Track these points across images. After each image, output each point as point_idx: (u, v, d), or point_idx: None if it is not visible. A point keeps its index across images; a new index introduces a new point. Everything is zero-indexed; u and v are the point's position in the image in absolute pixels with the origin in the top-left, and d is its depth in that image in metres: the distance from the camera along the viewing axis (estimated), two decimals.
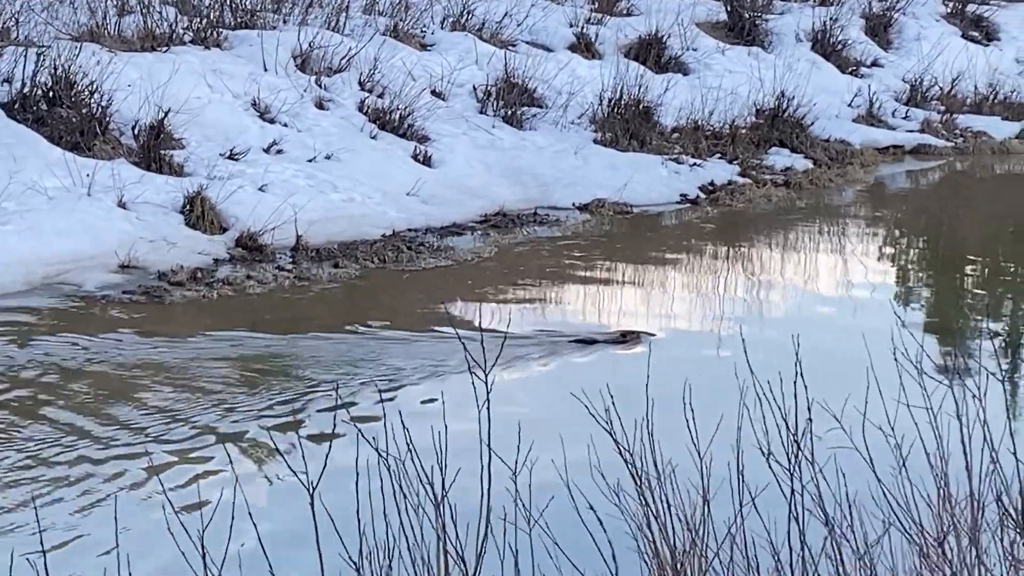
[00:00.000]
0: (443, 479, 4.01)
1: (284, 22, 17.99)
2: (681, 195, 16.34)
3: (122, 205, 12.88)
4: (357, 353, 9.80)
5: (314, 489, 3.97)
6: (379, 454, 4.11)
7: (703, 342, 10.64)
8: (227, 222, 13.23)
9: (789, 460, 3.92)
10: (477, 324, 10.24)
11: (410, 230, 14.08)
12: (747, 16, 22.51)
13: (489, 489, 3.92)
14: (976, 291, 13.02)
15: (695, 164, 17.15)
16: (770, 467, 4.01)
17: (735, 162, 17.62)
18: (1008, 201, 18.24)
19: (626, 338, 10.09)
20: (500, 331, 9.90)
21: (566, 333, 10.41)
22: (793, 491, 3.84)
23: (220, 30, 16.92)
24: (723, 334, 10.71)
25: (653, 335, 10.32)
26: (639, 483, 4.12)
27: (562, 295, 12.29)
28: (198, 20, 16.97)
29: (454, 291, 12.09)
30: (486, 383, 4.00)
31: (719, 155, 17.86)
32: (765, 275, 13.31)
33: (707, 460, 4.28)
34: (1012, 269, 13.99)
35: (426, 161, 15.74)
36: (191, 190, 13.15)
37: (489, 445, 3.97)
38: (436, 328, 10.48)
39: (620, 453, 4.13)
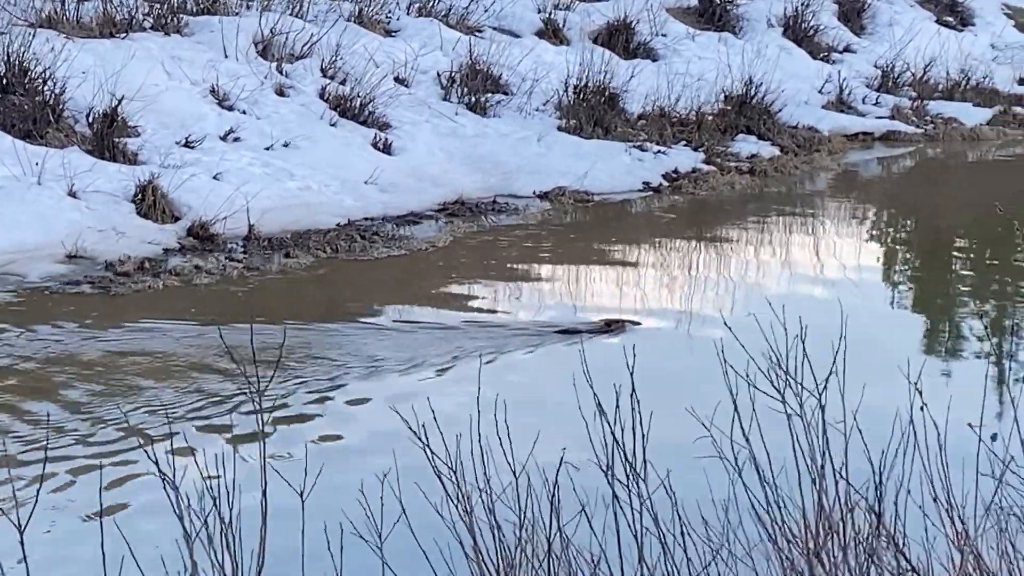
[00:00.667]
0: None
1: (247, 7, 17.83)
2: (644, 183, 16.22)
3: (72, 194, 12.73)
4: (291, 344, 9.67)
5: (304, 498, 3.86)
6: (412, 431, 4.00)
7: (684, 331, 10.47)
8: (179, 211, 13.09)
9: (627, 475, 3.81)
10: (412, 318, 10.16)
11: (367, 219, 13.95)
12: (718, 1, 22.37)
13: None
14: (908, 288, 12.94)
15: (659, 151, 17.03)
16: (611, 485, 3.90)
17: (700, 149, 17.50)
18: (972, 188, 18.06)
19: (611, 327, 10.08)
20: (472, 322, 9.85)
21: (551, 323, 10.39)
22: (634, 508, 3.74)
23: (181, 16, 16.76)
24: (697, 324, 10.64)
25: (638, 324, 10.29)
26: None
27: (515, 286, 12.16)
28: (158, 6, 16.81)
29: (405, 282, 11.97)
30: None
31: (685, 142, 17.73)
32: (725, 265, 13.18)
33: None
34: (961, 264, 13.86)
35: (386, 149, 15.61)
36: (143, 179, 13.00)
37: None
38: (362, 319, 10.38)
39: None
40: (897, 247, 14.53)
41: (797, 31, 22.34)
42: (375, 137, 15.62)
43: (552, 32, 19.96)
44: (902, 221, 16.03)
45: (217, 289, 11.37)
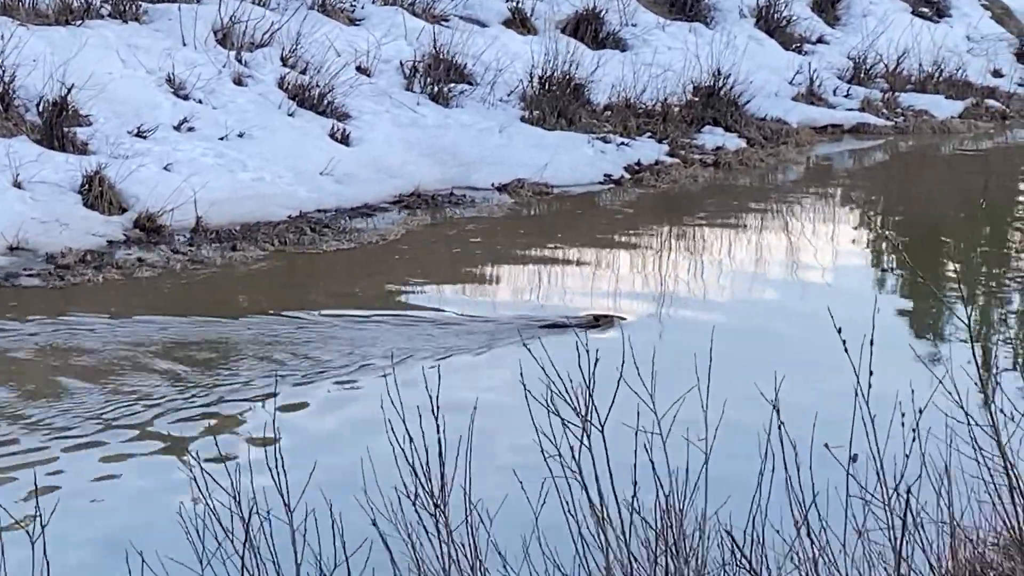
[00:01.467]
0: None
1: None
2: (605, 175, 16.05)
3: (17, 185, 12.53)
4: (232, 340, 9.51)
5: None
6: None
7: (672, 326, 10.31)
8: (127, 203, 12.89)
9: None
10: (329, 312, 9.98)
11: (319, 211, 13.78)
12: None
13: None
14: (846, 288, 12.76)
15: (623, 143, 16.85)
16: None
17: (665, 141, 17.31)
18: (934, 183, 17.86)
19: (598, 322, 10.02)
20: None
21: (536, 317, 10.29)
22: None
23: (139, 3, 16.54)
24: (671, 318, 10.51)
25: (624, 319, 10.23)
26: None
27: (465, 280, 12.01)
28: None
29: (351, 276, 11.80)
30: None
31: (650, 134, 17.55)
32: (673, 263, 13.02)
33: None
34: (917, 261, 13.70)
35: (344, 139, 15.41)
36: (90, 169, 12.82)
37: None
38: (306, 312, 10.22)
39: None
40: (852, 245, 14.29)
41: (769, 21, 22.13)
42: (333, 127, 15.43)
43: (520, 21, 19.74)
44: (859, 218, 15.77)
45: (158, 283, 11.18)
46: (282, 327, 9.86)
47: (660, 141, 17.31)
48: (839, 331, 3.97)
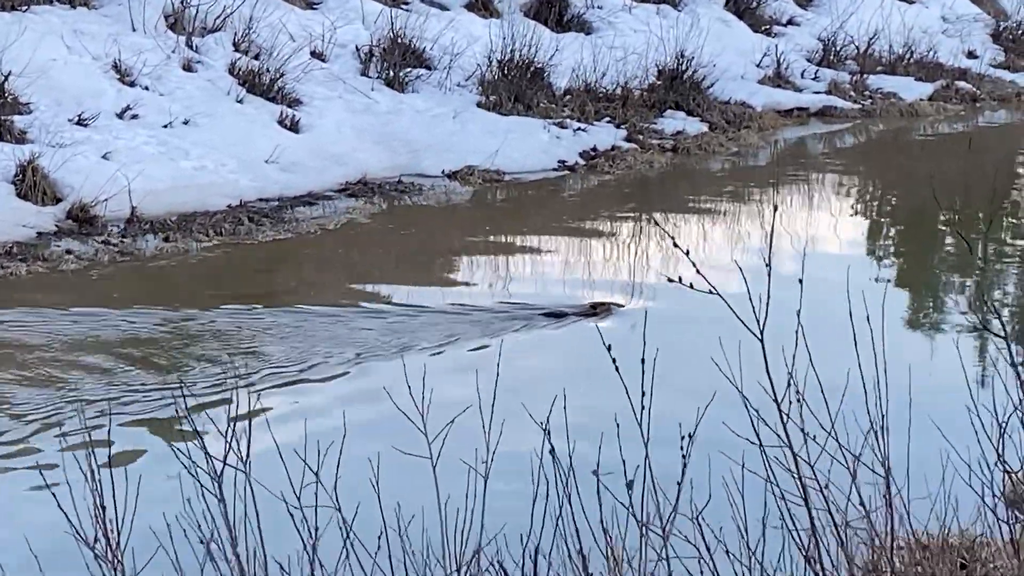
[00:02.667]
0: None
1: None
2: (559, 161, 15.78)
3: None
4: (158, 335, 9.26)
5: None
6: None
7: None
8: (62, 192, 12.61)
9: None
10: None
11: (261, 200, 13.51)
12: None
13: None
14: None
15: (579, 129, 16.56)
16: None
17: (623, 126, 17.05)
18: (891, 170, 17.50)
19: (596, 310, 9.94)
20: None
21: (534, 306, 10.14)
22: None
23: None
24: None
25: (622, 306, 10.15)
26: None
27: (403, 269, 11.76)
28: None
29: (285, 267, 11.56)
30: None
31: (609, 119, 17.28)
32: (614, 251, 12.78)
33: None
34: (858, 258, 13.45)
35: (293, 126, 15.13)
36: (24, 158, 12.57)
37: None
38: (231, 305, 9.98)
39: None
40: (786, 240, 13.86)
41: (739, 3, 21.81)
42: (282, 114, 15.15)
43: (481, 4, 19.43)
44: (805, 212, 15.30)
45: (82, 276, 10.93)
46: (227, 319, 9.63)
47: (619, 126, 17.04)
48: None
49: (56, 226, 12.14)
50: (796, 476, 3.69)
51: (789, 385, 3.84)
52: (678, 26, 19.38)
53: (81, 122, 13.77)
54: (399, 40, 17.37)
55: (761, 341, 3.76)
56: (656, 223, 12.72)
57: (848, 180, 16.32)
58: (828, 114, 19.46)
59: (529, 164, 15.55)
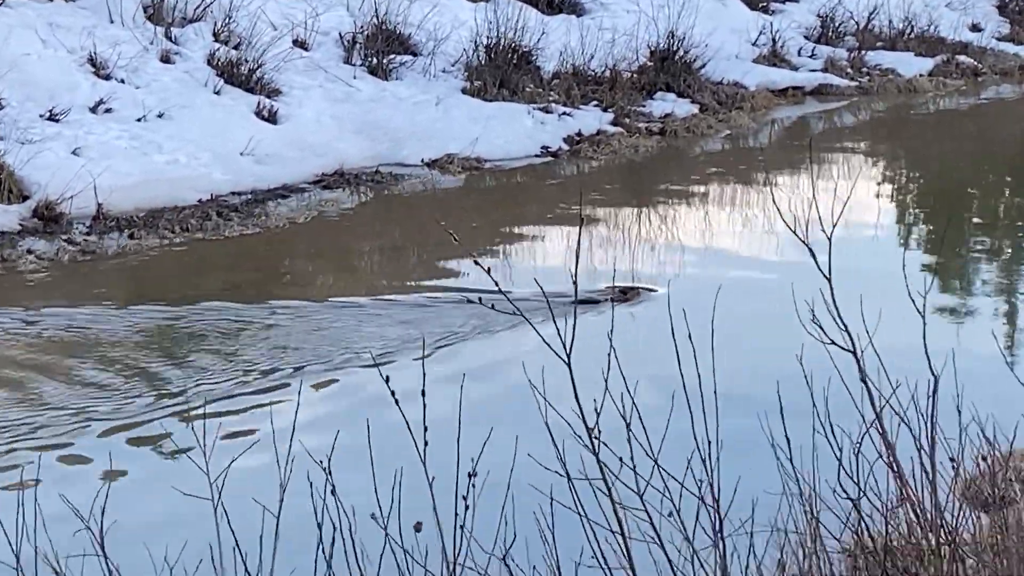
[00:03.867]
0: None
1: None
2: (543, 147, 15.48)
3: None
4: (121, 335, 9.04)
5: None
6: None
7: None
8: (29, 190, 12.38)
9: None
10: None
11: (234, 193, 13.26)
12: None
13: None
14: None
15: (565, 113, 16.26)
16: None
17: (611, 109, 16.75)
18: (879, 154, 17.09)
19: (627, 295, 9.76)
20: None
21: (559, 294, 9.84)
22: None
23: None
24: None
25: (653, 290, 9.91)
26: None
27: (372, 264, 11.52)
28: None
29: (248, 263, 11.32)
30: None
31: (596, 102, 16.98)
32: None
33: None
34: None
35: (271, 117, 14.87)
36: None
37: None
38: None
39: None
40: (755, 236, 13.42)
41: None
42: (259, 105, 14.89)
43: None
44: (784, 201, 14.85)
45: (40, 276, 10.70)
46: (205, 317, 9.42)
47: (605, 110, 16.74)
48: None
49: (20, 225, 11.91)
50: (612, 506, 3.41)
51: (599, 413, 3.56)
52: (671, 5, 19.02)
53: (52, 117, 13.55)
54: (384, 26, 17.10)
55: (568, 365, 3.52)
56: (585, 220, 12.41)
57: (834, 162, 15.94)
58: (824, 92, 19.10)
59: (512, 151, 15.27)
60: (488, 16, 17.32)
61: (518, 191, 14.16)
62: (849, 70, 19.87)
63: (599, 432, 3.47)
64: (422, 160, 14.73)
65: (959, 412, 4.40)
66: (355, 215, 12.86)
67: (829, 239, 3.99)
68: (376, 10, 17.12)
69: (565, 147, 15.48)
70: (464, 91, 16.47)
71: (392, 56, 16.79)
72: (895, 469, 3.82)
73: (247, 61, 15.41)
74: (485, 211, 13.35)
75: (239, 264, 11.24)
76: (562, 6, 19.53)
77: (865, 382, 3.85)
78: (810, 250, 3.99)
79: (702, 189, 14.31)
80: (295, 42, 16.55)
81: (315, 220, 12.56)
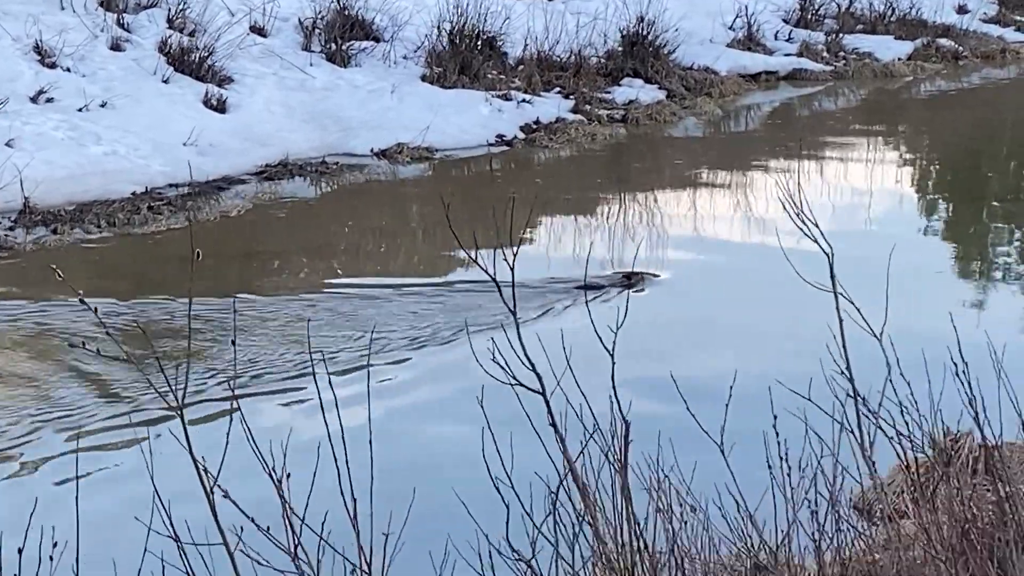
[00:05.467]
0: None
1: None
2: (498, 136, 15.01)
3: None
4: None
5: None
6: None
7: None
8: None
9: None
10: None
11: (171, 185, 12.83)
12: None
13: None
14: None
15: (524, 100, 15.80)
16: None
17: (572, 96, 16.28)
18: (836, 148, 16.48)
19: (631, 280, 9.63)
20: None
21: (565, 279, 9.68)
22: None
23: None
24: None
25: (657, 276, 9.83)
26: None
27: (293, 260, 11.08)
28: None
29: (164, 260, 10.89)
30: None
31: (559, 89, 16.51)
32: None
33: None
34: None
35: (219, 106, 14.45)
36: None
37: None
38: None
39: None
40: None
41: None
42: (207, 93, 14.48)
43: None
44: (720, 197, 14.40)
45: None
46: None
47: (567, 97, 16.27)
48: None
49: None
50: None
51: None
52: None
53: None
54: (345, 12, 16.66)
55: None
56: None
57: (784, 154, 15.38)
58: (798, 77, 18.56)
59: (465, 139, 14.81)
60: (459, 2, 16.83)
61: (456, 182, 13.67)
62: (825, 54, 19.32)
63: None
64: (371, 150, 14.29)
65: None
66: (291, 208, 12.42)
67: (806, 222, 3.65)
68: None
69: (521, 135, 15.02)
70: (424, 78, 16.02)
71: (352, 42, 16.36)
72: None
73: (198, 48, 14.99)
74: (426, 200, 12.90)
75: (155, 260, 10.80)
76: None
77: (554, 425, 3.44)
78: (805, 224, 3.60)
79: (635, 183, 13.82)
80: (252, 28, 16.13)
81: (248, 213, 12.11)
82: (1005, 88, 19.17)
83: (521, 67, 16.84)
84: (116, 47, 14.91)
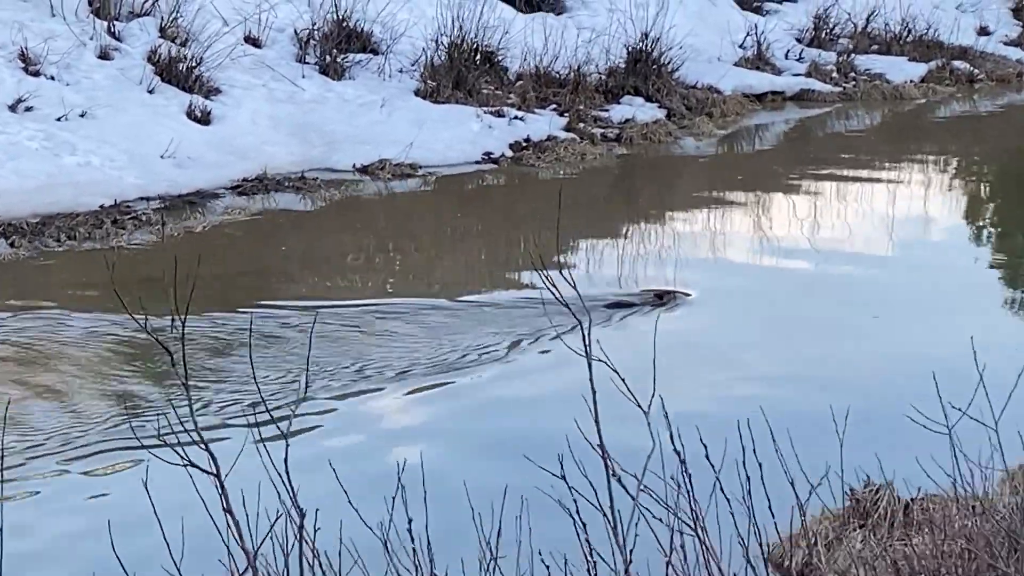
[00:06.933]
0: None
1: None
2: (485, 153, 14.60)
3: None
4: None
5: None
6: None
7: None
8: None
9: None
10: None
11: (142, 198, 12.49)
12: None
13: None
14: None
15: (516, 117, 15.40)
16: None
17: (567, 114, 15.86)
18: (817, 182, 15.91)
19: (663, 299, 9.49)
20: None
21: (595, 296, 9.37)
22: None
23: None
24: None
25: (689, 295, 9.61)
26: None
27: (233, 288, 10.70)
28: None
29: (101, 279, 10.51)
30: None
31: (555, 106, 16.10)
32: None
33: None
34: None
35: (203, 118, 14.11)
36: None
37: None
38: None
39: None
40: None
41: None
42: (191, 105, 14.16)
43: None
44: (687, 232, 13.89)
45: None
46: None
47: (562, 114, 15.86)
48: None
49: None
50: None
51: None
52: (660, 5, 18.03)
53: None
54: (344, 23, 16.32)
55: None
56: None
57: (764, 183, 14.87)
58: (805, 98, 18.06)
59: (451, 156, 14.42)
60: (454, 13, 16.45)
61: (425, 204, 13.25)
62: (835, 75, 18.81)
63: None
64: (354, 166, 13.95)
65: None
66: (258, 225, 12.05)
67: None
68: (336, 5, 16.33)
69: (510, 153, 14.62)
70: (417, 92, 15.65)
71: (348, 55, 16.01)
72: None
73: (186, 58, 14.69)
74: (399, 220, 12.54)
75: (98, 277, 10.43)
76: (541, 4, 18.62)
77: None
78: None
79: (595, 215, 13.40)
80: (247, 38, 15.81)
81: (213, 230, 11.77)
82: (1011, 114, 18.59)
83: (519, 82, 16.45)
84: (104, 56, 14.63)
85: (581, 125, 15.46)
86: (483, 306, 9.43)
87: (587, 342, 3.27)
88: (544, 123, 15.34)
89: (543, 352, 8.26)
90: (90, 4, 15.25)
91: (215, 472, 2.93)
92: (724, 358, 8.35)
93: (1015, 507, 5.94)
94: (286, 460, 3.16)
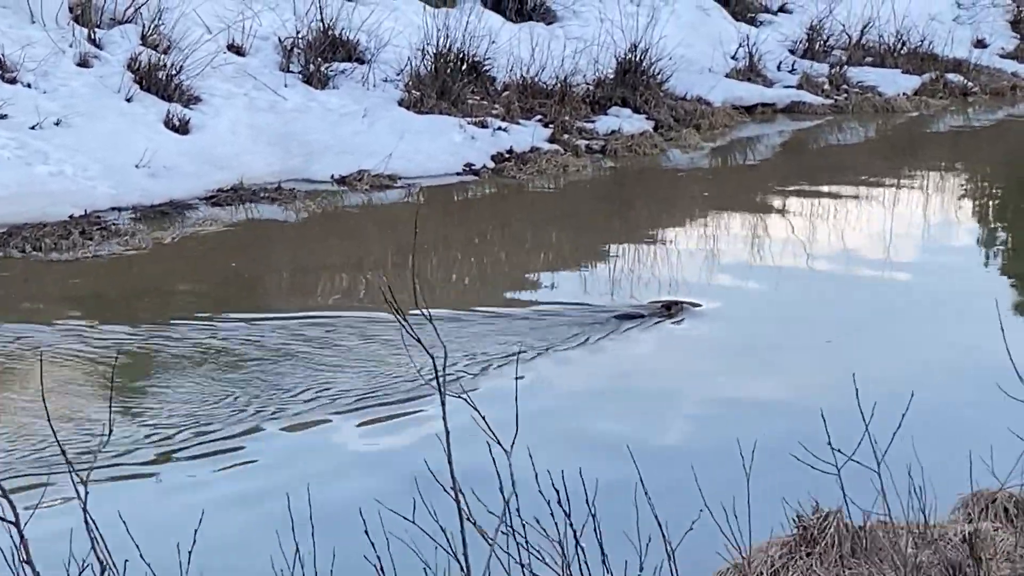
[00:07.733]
0: None
1: None
2: (466, 165, 14.36)
3: None
4: None
5: None
6: None
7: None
8: None
9: None
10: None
11: (114, 209, 12.25)
12: None
13: None
14: None
15: (499, 128, 15.15)
16: None
17: (552, 125, 15.61)
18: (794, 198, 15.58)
19: (671, 310, 9.36)
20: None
21: (604, 307, 9.42)
22: None
23: None
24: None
25: (699, 305, 9.47)
26: None
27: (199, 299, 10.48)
28: None
29: (84, 287, 10.32)
30: None
31: (540, 117, 15.85)
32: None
33: None
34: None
35: (180, 127, 13.87)
36: None
37: None
38: None
39: None
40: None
41: None
42: (169, 113, 13.94)
43: None
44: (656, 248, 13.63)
45: None
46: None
47: (547, 125, 15.61)
48: None
49: None
50: None
51: None
52: (651, 15, 17.81)
53: None
54: (329, 32, 16.08)
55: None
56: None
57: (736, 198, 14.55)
58: (796, 110, 17.78)
59: (432, 167, 14.17)
60: (450, 24, 16.19)
61: (393, 217, 12.97)
62: (826, 87, 18.53)
63: None
64: (332, 176, 13.71)
65: None
66: (230, 236, 11.79)
67: None
68: (321, 13, 16.09)
69: (491, 164, 14.36)
70: (401, 102, 15.40)
71: (332, 64, 15.77)
72: None
73: (166, 66, 14.45)
74: (370, 233, 12.28)
75: (63, 289, 10.22)
76: (531, 14, 18.38)
77: None
78: None
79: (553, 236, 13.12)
80: (230, 47, 15.57)
81: (183, 241, 11.52)
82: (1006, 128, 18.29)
83: (505, 92, 16.20)
84: (84, 63, 14.40)
85: (566, 136, 15.20)
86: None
87: (442, 382, 3.02)
88: (528, 134, 15.09)
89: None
90: (71, 11, 15.01)
91: (14, 521, 2.67)
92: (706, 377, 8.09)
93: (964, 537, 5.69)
94: (85, 507, 2.90)
